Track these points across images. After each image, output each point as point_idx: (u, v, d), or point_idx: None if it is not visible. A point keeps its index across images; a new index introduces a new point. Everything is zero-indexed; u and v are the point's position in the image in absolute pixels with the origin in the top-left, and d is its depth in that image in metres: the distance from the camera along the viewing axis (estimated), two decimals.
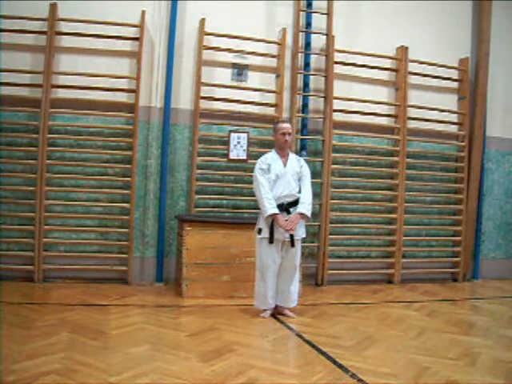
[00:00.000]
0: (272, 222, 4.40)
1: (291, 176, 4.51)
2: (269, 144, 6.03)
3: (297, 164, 4.61)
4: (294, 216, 4.42)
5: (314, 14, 6.18)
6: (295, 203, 4.49)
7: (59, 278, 5.45)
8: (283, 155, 4.58)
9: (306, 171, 4.63)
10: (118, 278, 5.62)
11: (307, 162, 5.66)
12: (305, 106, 6.19)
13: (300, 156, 5.98)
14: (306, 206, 4.47)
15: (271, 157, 4.57)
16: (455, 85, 6.92)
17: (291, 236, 4.42)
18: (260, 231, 4.48)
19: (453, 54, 6.85)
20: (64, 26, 5.48)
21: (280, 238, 4.44)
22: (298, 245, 4.56)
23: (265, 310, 4.55)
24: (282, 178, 4.48)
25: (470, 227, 6.85)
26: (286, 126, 4.60)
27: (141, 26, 5.58)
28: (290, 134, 4.56)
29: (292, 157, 4.65)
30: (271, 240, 4.41)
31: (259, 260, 4.52)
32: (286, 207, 4.45)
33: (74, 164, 5.52)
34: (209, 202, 5.92)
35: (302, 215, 4.46)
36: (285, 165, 4.54)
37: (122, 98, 5.66)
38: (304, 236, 4.65)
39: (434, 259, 6.78)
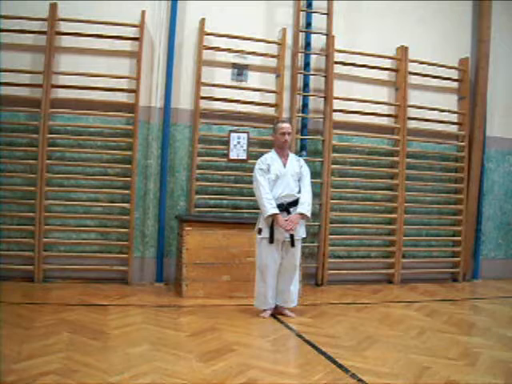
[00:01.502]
0: (272, 221, 4.40)
1: (291, 176, 4.51)
2: (269, 144, 6.02)
3: (297, 164, 4.60)
4: (294, 216, 4.42)
5: (314, 14, 6.18)
6: (295, 203, 4.48)
7: (59, 278, 5.45)
8: (283, 155, 4.57)
9: (306, 171, 4.63)
10: (118, 277, 5.61)
11: (307, 162, 5.64)
12: (305, 106, 6.19)
13: (300, 156, 5.98)
14: (305, 207, 4.47)
15: (271, 157, 4.57)
16: (455, 85, 6.92)
17: (291, 236, 4.42)
18: (260, 231, 4.47)
19: (453, 54, 6.85)
20: (64, 26, 5.48)
21: (280, 238, 4.44)
22: (298, 245, 4.56)
23: (265, 310, 4.55)
24: (282, 179, 4.47)
25: (470, 227, 6.85)
26: (286, 125, 4.59)
27: (141, 26, 5.57)
28: (289, 133, 4.55)
29: (292, 157, 4.64)
30: (271, 240, 4.41)
31: (259, 260, 4.52)
32: (285, 207, 4.45)
33: (74, 164, 5.52)
34: (209, 202, 5.92)
35: (302, 215, 4.46)
36: (284, 165, 4.53)
37: (122, 98, 5.65)
38: (304, 236, 4.65)
39: (433, 259, 6.78)
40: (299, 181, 4.56)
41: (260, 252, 4.50)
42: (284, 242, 4.46)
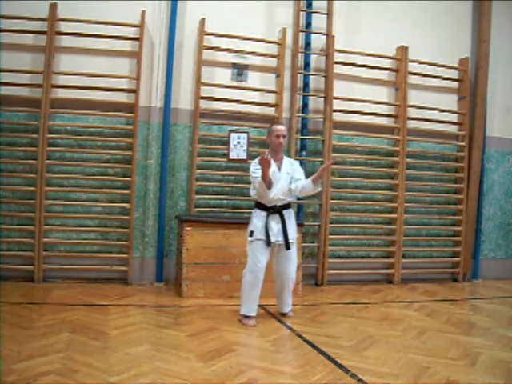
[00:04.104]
0: (266, 225, 4.25)
1: (285, 180, 4.35)
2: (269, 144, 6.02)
3: (290, 167, 4.43)
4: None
5: (314, 14, 6.18)
6: (287, 206, 4.38)
7: (59, 277, 5.45)
8: (277, 159, 4.39)
9: (298, 169, 4.47)
10: (118, 277, 5.61)
11: (307, 162, 5.65)
12: (305, 106, 6.18)
13: (300, 156, 6.00)
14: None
15: None
16: (455, 85, 6.92)
17: (286, 239, 4.28)
18: (252, 233, 4.30)
19: (453, 53, 6.84)
20: (64, 26, 5.48)
21: (273, 241, 4.28)
22: (294, 250, 4.40)
23: (250, 317, 4.27)
24: (276, 182, 4.28)
25: (470, 227, 6.85)
26: (281, 128, 4.42)
27: (141, 26, 5.57)
28: (284, 136, 4.39)
29: (286, 160, 4.47)
30: (268, 243, 4.24)
31: (253, 263, 4.27)
32: (278, 209, 4.31)
33: (74, 164, 5.52)
34: (209, 202, 5.92)
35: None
36: (279, 169, 4.37)
37: (121, 98, 5.65)
38: (295, 236, 4.46)
39: (434, 259, 6.78)
40: (293, 179, 4.38)
41: (254, 254, 4.28)
42: (279, 246, 4.33)
